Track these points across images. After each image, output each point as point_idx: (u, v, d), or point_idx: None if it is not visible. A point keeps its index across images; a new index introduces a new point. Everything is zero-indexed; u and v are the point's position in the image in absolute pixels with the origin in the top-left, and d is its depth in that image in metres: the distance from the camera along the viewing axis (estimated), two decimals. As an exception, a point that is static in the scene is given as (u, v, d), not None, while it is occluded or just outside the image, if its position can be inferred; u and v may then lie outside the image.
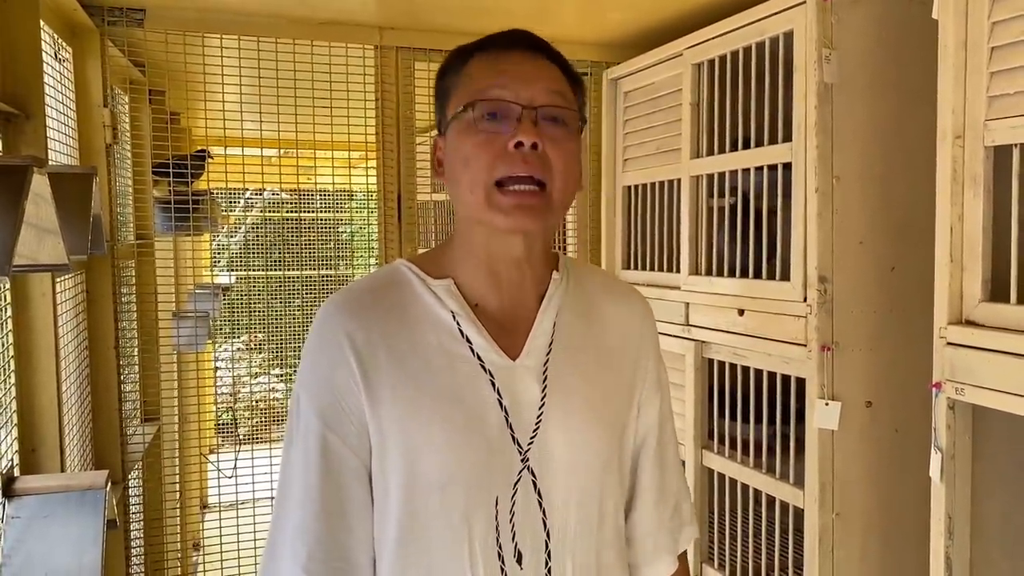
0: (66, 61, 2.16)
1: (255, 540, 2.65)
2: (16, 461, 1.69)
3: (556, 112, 1.03)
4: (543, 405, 1.06)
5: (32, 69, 1.68)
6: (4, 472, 1.55)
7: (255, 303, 7.05)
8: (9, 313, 1.70)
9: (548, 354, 1.08)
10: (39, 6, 1.71)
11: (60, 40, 2.09)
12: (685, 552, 1.26)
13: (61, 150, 2.03)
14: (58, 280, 1.85)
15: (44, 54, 1.81)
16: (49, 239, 1.24)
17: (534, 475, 1.04)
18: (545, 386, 1.07)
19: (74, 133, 2.19)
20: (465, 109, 1.01)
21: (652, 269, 2.40)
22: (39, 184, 1.19)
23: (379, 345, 1.03)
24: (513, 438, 1.04)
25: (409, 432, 1.00)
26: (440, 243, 1.17)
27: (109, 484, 1.60)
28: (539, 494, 1.04)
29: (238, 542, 2.70)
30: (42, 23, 1.79)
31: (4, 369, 1.68)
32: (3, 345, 1.68)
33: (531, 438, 1.04)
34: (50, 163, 1.77)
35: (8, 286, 1.67)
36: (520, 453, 1.04)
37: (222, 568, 2.73)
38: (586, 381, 1.10)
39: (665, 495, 1.21)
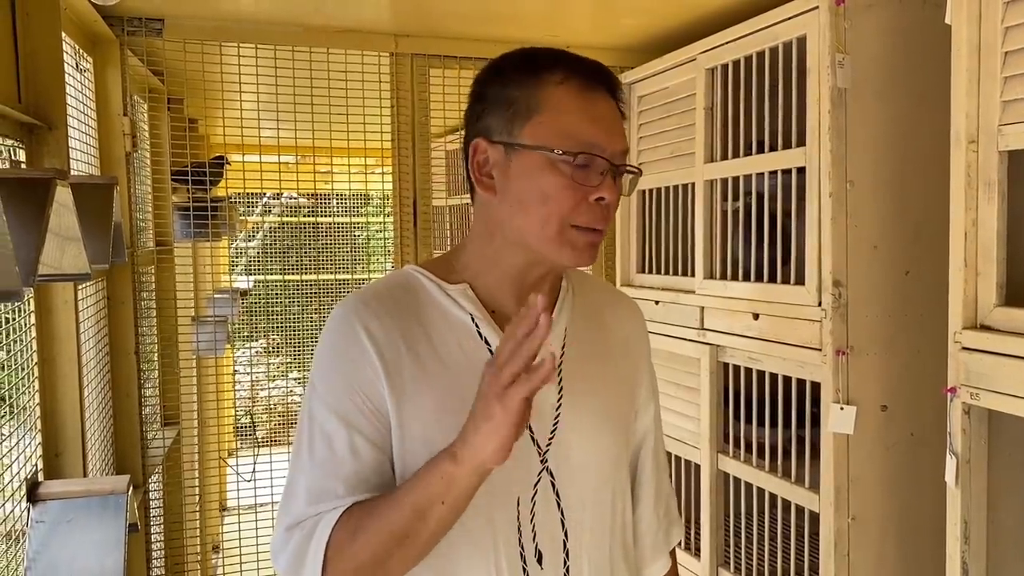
0: (86, 71, 2.19)
1: (274, 543, 2.67)
2: (40, 466, 1.71)
3: (630, 170, 1.07)
4: (559, 407, 1.08)
5: (54, 81, 1.71)
6: (28, 477, 1.58)
7: (273, 307, 7.10)
8: (33, 321, 1.73)
9: (562, 357, 1.11)
10: (60, 18, 1.74)
11: (81, 51, 2.12)
12: (674, 549, 1.30)
13: (82, 159, 2.07)
14: (80, 288, 1.88)
15: (66, 65, 1.84)
16: (71, 249, 1.27)
17: (552, 475, 1.07)
18: (561, 388, 1.09)
19: (94, 142, 2.23)
20: (564, 154, 1.01)
21: (667, 273, 2.40)
22: (62, 195, 1.21)
23: (399, 341, 1.04)
24: (533, 439, 1.06)
25: (430, 431, 1.02)
26: (449, 250, 1.19)
27: (131, 488, 1.63)
28: (557, 494, 1.07)
29: (257, 544, 2.72)
30: (63, 35, 1.82)
31: (28, 376, 1.71)
32: (27, 352, 1.71)
33: (549, 439, 1.07)
34: (72, 173, 1.80)
35: (32, 295, 1.70)
36: (539, 454, 1.07)
37: (241, 570, 2.76)
38: (597, 384, 1.14)
39: (660, 495, 1.26)
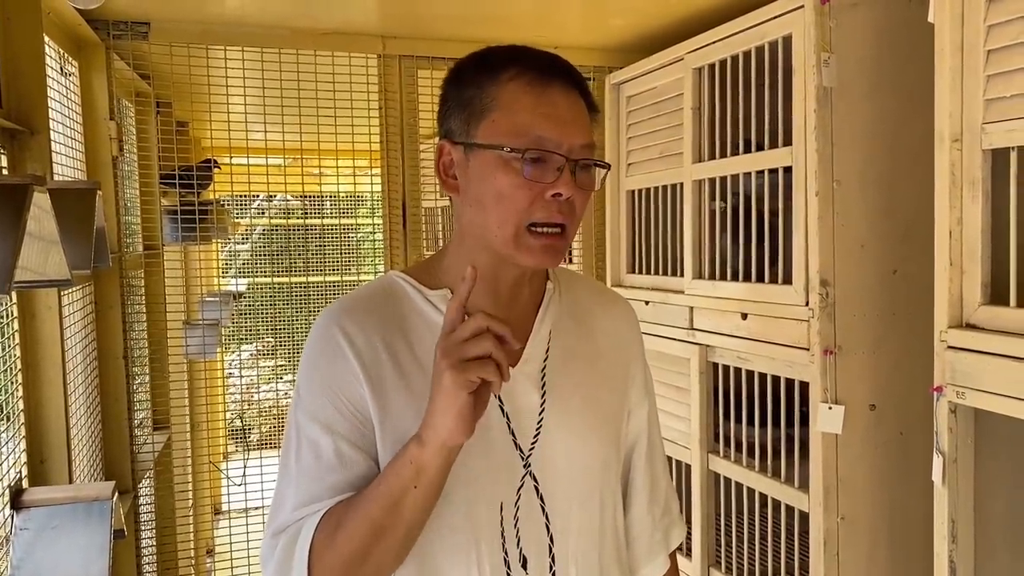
0: (72, 75, 2.18)
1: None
2: (24, 473, 1.71)
3: (589, 163, 1.05)
4: (543, 411, 1.08)
5: (36, 85, 1.70)
6: (12, 484, 1.57)
7: (267, 310, 7.08)
8: (16, 327, 1.72)
9: (545, 360, 1.11)
10: (42, 22, 1.73)
11: (65, 55, 2.11)
12: (675, 551, 1.29)
13: (67, 164, 2.06)
14: (65, 293, 1.87)
15: (49, 69, 1.83)
16: (52, 254, 1.26)
17: (536, 480, 1.06)
18: (544, 392, 1.09)
19: (81, 146, 2.21)
20: (513, 151, 1.00)
21: (656, 273, 2.40)
22: (41, 200, 1.21)
23: (380, 349, 1.04)
24: (515, 443, 1.06)
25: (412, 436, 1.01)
26: (432, 255, 1.19)
27: (116, 494, 1.62)
28: (542, 499, 1.06)
29: (248, 547, 2.71)
30: (47, 38, 1.81)
31: (12, 382, 1.70)
32: (10, 358, 1.70)
33: (532, 443, 1.07)
34: (55, 177, 1.79)
35: (14, 300, 1.69)
36: (522, 459, 1.06)
37: (233, 574, 2.75)
38: (583, 386, 1.13)
39: (656, 495, 1.24)
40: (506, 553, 1.04)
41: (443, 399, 0.90)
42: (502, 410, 1.05)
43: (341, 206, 6.37)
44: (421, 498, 0.95)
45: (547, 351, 1.11)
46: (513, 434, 1.05)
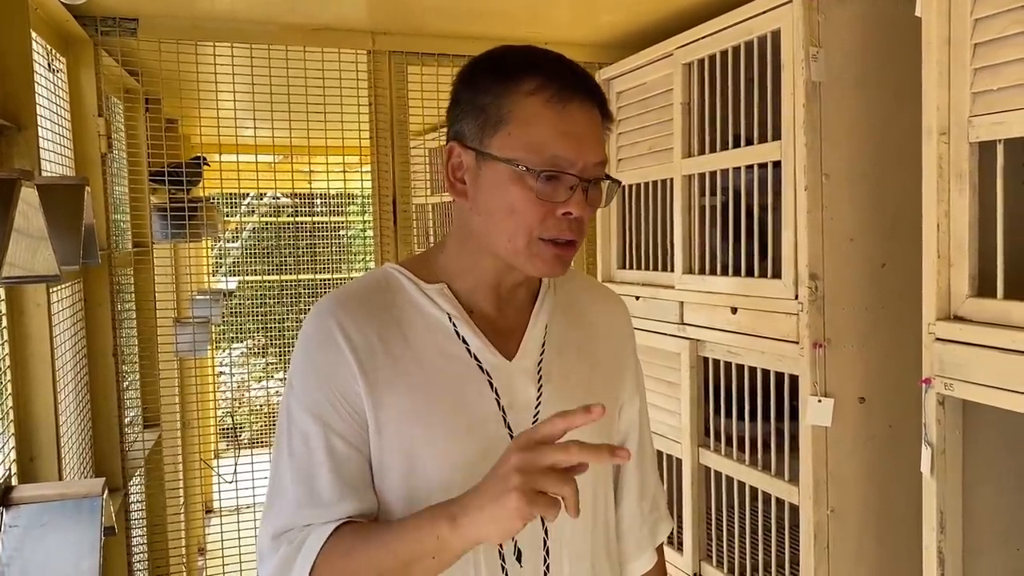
0: (60, 71, 2.17)
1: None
2: (14, 470, 1.70)
3: (601, 181, 1.05)
4: (539, 404, 1.08)
5: (23, 81, 1.69)
6: (1, 481, 1.56)
7: (259, 307, 7.08)
8: (4, 324, 1.71)
9: (542, 355, 1.11)
10: (29, 18, 1.72)
11: (53, 51, 2.10)
12: (661, 545, 1.30)
13: (55, 160, 2.04)
14: (54, 289, 1.86)
15: (37, 65, 1.82)
16: (40, 250, 1.25)
17: None
18: (540, 386, 1.09)
19: (69, 143, 2.20)
20: (529, 169, 0.99)
21: (647, 268, 2.40)
22: (29, 196, 1.20)
23: (375, 343, 1.04)
24: (512, 438, 1.05)
25: (408, 431, 1.02)
26: (428, 249, 1.19)
27: (106, 491, 1.61)
28: None
29: (239, 546, 2.71)
30: (34, 34, 1.80)
31: (0, 379, 1.69)
32: (-1, 355, 1.70)
33: None
34: (43, 174, 1.78)
35: (2, 296, 1.68)
36: None
37: (224, 572, 2.74)
38: (578, 380, 1.14)
39: (644, 491, 1.25)
40: (501, 546, 1.04)
41: (496, 509, 0.87)
42: (499, 404, 1.06)
43: (331, 203, 6.36)
44: (435, 568, 0.94)
45: (543, 345, 1.12)
46: (510, 428, 1.06)
